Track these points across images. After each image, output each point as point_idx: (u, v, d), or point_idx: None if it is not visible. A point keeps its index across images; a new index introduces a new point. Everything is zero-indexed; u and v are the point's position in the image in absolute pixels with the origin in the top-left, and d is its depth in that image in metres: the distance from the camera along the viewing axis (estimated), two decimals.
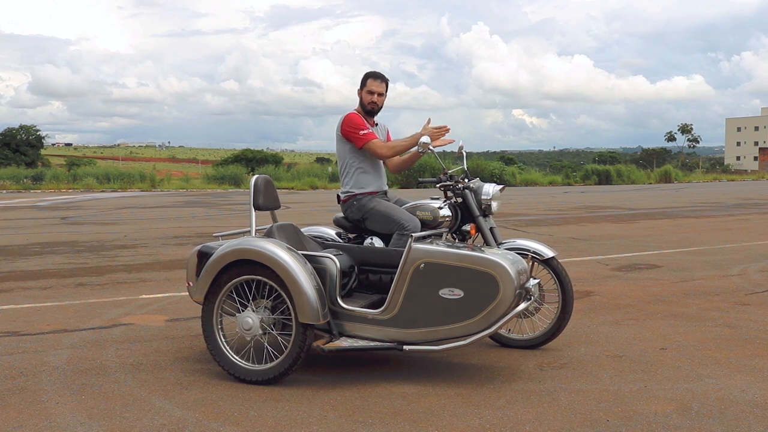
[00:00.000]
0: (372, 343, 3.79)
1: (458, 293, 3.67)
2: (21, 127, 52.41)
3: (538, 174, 45.17)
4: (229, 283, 3.88)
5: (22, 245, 10.20)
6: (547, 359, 4.25)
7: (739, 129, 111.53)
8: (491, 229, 4.57)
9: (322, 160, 72.54)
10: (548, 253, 4.43)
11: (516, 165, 49.48)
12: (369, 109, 4.70)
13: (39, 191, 30.74)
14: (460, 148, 4.79)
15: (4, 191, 30.46)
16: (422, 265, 3.73)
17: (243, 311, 3.88)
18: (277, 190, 4.49)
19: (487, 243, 4.49)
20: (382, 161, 4.78)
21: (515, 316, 3.77)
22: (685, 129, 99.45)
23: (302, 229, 4.50)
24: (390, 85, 4.80)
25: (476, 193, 4.60)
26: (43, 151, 55.49)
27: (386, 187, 4.80)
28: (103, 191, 31.31)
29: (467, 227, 4.56)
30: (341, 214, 4.71)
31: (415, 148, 4.53)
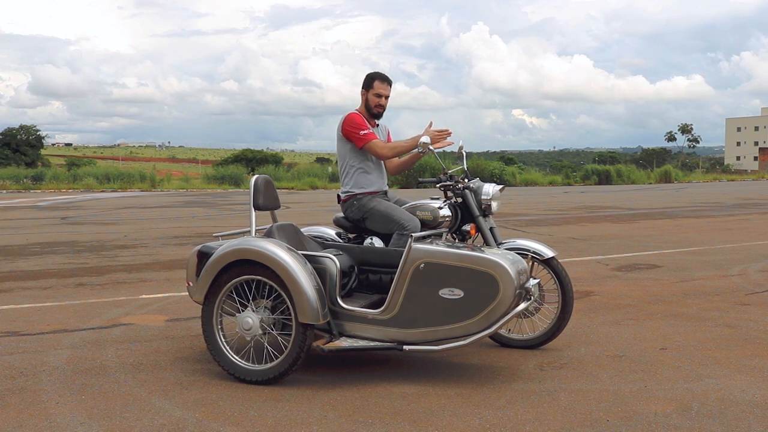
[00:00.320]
0: (372, 343, 3.79)
1: (458, 293, 3.67)
2: (21, 127, 52.46)
3: (538, 174, 45.19)
4: (229, 283, 3.88)
5: (22, 245, 10.20)
6: (547, 359, 4.25)
7: (739, 129, 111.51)
8: (491, 229, 4.57)
9: (322, 160, 72.56)
10: (548, 253, 4.43)
11: (516, 165, 49.49)
12: (376, 113, 4.66)
13: (39, 191, 30.75)
14: (460, 148, 4.79)
15: (4, 191, 30.47)
16: (422, 265, 3.73)
17: (243, 311, 3.88)
18: (277, 190, 4.49)
19: (487, 243, 4.49)
20: (382, 161, 4.77)
21: (515, 316, 3.77)
22: (685, 129, 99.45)
23: (302, 229, 4.50)
24: None
25: (476, 193, 4.60)
26: (43, 151, 55.52)
27: (386, 188, 4.80)
28: (103, 191, 31.32)
29: (467, 227, 4.56)
30: (341, 214, 4.71)
31: (416, 148, 4.53)
